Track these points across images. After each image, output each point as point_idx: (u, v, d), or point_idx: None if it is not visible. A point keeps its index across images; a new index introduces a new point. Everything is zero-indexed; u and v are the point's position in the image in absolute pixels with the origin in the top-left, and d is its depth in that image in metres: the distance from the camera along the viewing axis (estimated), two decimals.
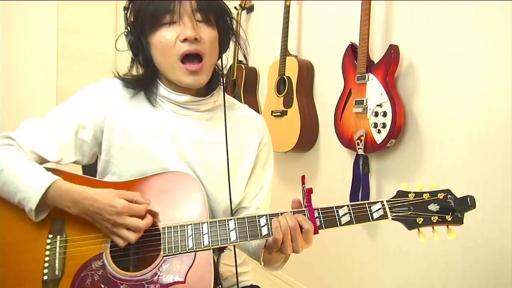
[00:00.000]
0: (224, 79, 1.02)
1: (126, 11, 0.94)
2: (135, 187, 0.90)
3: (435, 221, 0.85)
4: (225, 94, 1.01)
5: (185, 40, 0.88)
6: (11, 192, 0.84)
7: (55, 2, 2.80)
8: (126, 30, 0.94)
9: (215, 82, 1.00)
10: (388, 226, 1.85)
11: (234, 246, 0.94)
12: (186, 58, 0.90)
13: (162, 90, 0.97)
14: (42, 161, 0.92)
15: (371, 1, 1.77)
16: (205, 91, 0.99)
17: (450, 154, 1.60)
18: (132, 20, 0.93)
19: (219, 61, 0.98)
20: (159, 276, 0.81)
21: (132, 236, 0.82)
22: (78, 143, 0.94)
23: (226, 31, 0.96)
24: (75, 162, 0.97)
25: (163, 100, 0.98)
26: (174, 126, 0.96)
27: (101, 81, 1.01)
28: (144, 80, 0.98)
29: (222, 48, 0.97)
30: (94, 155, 0.99)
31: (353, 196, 1.92)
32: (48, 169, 0.89)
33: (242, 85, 2.74)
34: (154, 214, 0.86)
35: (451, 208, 0.85)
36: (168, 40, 0.89)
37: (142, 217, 0.83)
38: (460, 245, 1.54)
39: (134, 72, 0.99)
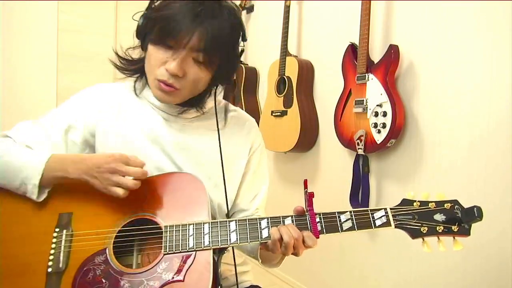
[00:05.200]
0: (216, 106, 1.01)
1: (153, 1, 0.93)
2: (140, 186, 0.91)
3: (440, 231, 0.83)
4: (216, 97, 1.00)
5: (166, 70, 0.88)
6: (10, 174, 0.86)
7: (55, 2, 2.80)
8: (145, 13, 0.92)
9: (198, 100, 0.98)
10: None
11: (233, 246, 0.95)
12: None
13: (152, 98, 0.99)
14: None
15: (371, 1, 1.78)
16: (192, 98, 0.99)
17: (450, 154, 1.60)
18: (153, 12, 0.91)
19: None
20: (158, 273, 0.82)
21: (130, 182, 0.84)
22: (69, 144, 0.96)
23: (223, 73, 0.94)
24: None
25: (153, 107, 1.00)
26: (162, 131, 0.98)
27: (94, 85, 1.03)
28: (139, 68, 0.99)
29: (213, 84, 0.96)
30: None
31: (353, 196, 1.92)
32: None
33: (242, 85, 2.74)
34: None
35: (458, 219, 0.83)
36: (156, 60, 0.89)
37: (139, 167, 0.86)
38: None
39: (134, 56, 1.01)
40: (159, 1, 0.91)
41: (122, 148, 0.95)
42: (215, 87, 0.98)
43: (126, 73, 1.01)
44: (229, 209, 0.97)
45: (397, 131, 1.69)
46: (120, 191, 0.83)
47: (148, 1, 0.94)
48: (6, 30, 2.63)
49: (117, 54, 1.00)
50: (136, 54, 1.00)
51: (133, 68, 1.00)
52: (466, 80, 1.54)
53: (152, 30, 0.89)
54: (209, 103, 1.01)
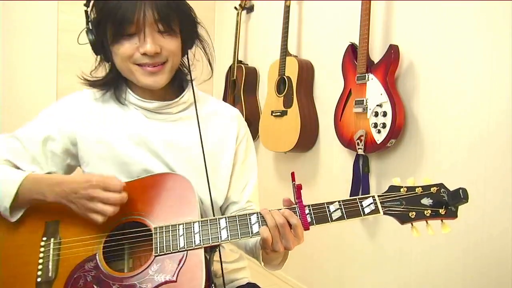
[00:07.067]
0: (192, 76, 1.02)
1: (87, 7, 0.92)
2: (127, 189, 0.89)
3: (428, 215, 0.83)
4: (196, 89, 1.01)
5: (144, 54, 0.88)
6: None
7: (55, 2, 2.79)
8: (87, 28, 0.93)
9: (179, 81, 1.01)
10: (387, 226, 1.85)
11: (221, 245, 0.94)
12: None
13: (131, 97, 0.98)
14: None
15: (371, 1, 1.78)
16: (174, 93, 1.00)
17: (450, 154, 1.60)
18: (94, 19, 0.92)
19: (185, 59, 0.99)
20: (150, 275, 0.81)
21: (109, 209, 0.80)
22: (49, 155, 0.95)
23: (190, 35, 0.97)
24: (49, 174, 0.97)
25: (136, 107, 0.99)
26: (147, 131, 0.97)
27: (70, 95, 1.02)
28: (110, 79, 0.99)
29: (186, 48, 0.97)
30: (70, 167, 1.00)
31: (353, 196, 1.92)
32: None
33: (242, 85, 2.74)
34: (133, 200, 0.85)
35: (445, 202, 0.84)
36: (126, 51, 0.89)
37: (118, 192, 0.82)
38: (460, 245, 1.54)
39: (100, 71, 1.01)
40: (94, 6, 0.91)
41: (108, 154, 0.95)
42: (187, 59, 0.99)
43: (104, 89, 1.01)
44: (213, 202, 0.96)
45: (397, 131, 1.69)
46: (99, 218, 0.81)
47: None
48: (6, 30, 2.63)
49: (87, 81, 1.00)
50: (100, 72, 1.01)
51: (107, 80, 0.99)
52: (466, 80, 1.54)
53: (108, 32, 0.89)
54: (190, 96, 1.01)
